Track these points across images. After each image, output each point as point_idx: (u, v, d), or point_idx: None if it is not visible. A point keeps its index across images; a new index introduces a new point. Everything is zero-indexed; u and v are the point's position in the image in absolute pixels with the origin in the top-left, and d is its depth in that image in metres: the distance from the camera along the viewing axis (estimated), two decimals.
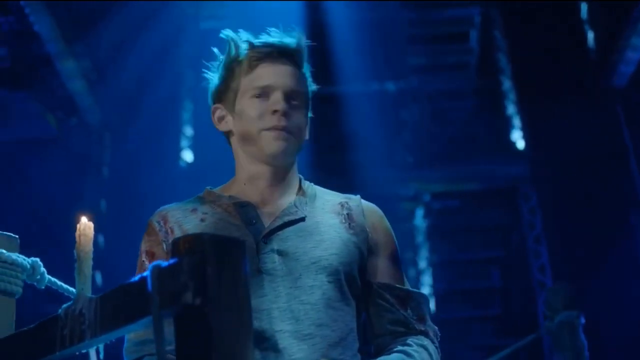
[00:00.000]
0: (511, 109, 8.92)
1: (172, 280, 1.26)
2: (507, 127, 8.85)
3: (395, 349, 1.81)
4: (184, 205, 1.95)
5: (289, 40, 1.96)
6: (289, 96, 1.92)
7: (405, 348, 1.80)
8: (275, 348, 1.71)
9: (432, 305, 9.07)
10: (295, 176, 2.00)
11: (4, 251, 1.91)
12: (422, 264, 9.27)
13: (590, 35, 8.30)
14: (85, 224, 1.53)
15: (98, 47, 6.75)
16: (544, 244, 8.05)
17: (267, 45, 1.95)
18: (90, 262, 1.52)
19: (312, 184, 2.03)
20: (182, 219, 1.89)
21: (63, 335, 1.45)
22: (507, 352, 3.90)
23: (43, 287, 2.02)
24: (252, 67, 1.94)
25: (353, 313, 1.86)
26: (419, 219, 9.24)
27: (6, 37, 6.41)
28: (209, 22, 9.35)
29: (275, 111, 1.88)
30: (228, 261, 1.29)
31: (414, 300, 1.90)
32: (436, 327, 1.93)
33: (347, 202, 1.97)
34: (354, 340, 1.84)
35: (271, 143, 1.89)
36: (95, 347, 1.49)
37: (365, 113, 8.92)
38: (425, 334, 1.87)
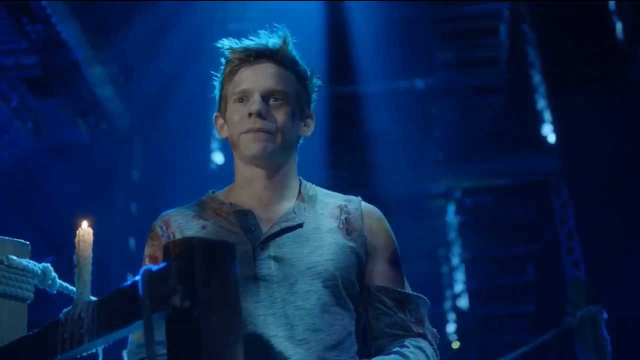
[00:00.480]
0: (541, 102, 8.85)
1: (161, 284, 1.28)
2: (538, 121, 8.78)
3: (392, 350, 1.81)
4: (186, 210, 1.97)
5: (269, 41, 1.95)
6: (268, 96, 1.92)
7: (402, 349, 1.80)
8: (270, 353, 1.72)
9: (465, 301, 9.03)
10: (293, 178, 1.98)
11: (14, 257, 1.94)
12: (455, 260, 9.23)
13: (619, 27, 8.20)
14: (84, 230, 1.56)
15: (125, 53, 6.83)
16: (576, 238, 7.98)
17: (245, 49, 1.95)
18: (90, 267, 1.55)
19: (313, 185, 2.02)
20: (184, 224, 1.92)
21: (64, 339, 1.48)
22: (526, 349, 3.88)
23: (55, 292, 2.05)
24: (233, 73, 1.96)
25: (352, 317, 1.86)
26: (451, 215, 9.21)
27: (35, 45, 6.53)
28: (236, 23, 9.40)
29: (250, 114, 1.89)
30: (217, 265, 1.30)
31: (412, 303, 1.89)
32: (435, 330, 1.92)
33: (346, 206, 1.95)
34: (352, 343, 1.84)
35: (248, 146, 1.89)
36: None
37: (394, 111, 8.91)
38: (423, 336, 1.87)
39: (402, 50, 8.83)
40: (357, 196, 2.02)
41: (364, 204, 1.98)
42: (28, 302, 1.97)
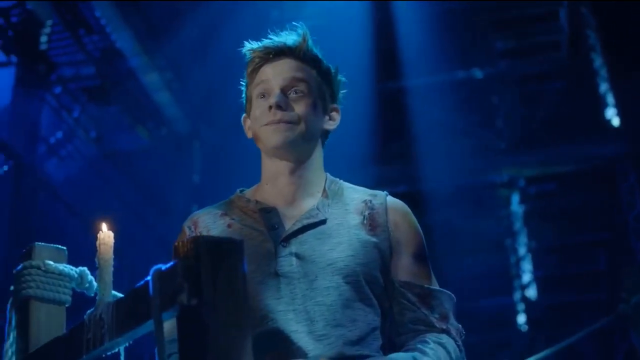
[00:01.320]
0: (604, 86, 8.66)
1: (169, 282, 1.31)
2: (601, 105, 8.59)
3: (411, 347, 1.80)
4: (214, 209, 2.00)
5: (288, 39, 1.98)
6: (288, 89, 1.94)
7: (421, 346, 1.78)
8: (290, 348, 1.72)
9: (534, 291, 8.90)
10: (318, 173, 1.98)
11: (51, 262, 2.00)
12: (522, 250, 9.10)
13: None
14: (105, 233, 1.61)
15: (178, 57, 6.93)
16: None
17: (264, 47, 1.98)
18: (111, 270, 1.60)
19: (339, 181, 2.02)
20: (211, 223, 1.94)
21: (87, 340, 1.53)
22: (581, 334, 3.81)
23: (92, 295, 2.10)
24: (255, 72, 1.99)
25: (376, 312, 1.84)
26: (515, 205, 9.08)
27: (92, 56, 6.70)
28: (292, 23, 9.43)
29: (270, 107, 1.91)
30: (223, 262, 1.31)
31: (436, 298, 1.87)
32: (460, 326, 1.89)
33: (371, 201, 1.94)
34: (375, 338, 1.83)
35: (270, 137, 1.91)
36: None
37: (453, 102, 8.84)
38: (447, 332, 1.84)
39: (459, 41, 8.75)
40: (383, 191, 2.01)
41: (389, 198, 1.96)
42: (66, 305, 2.02)
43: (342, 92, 2.10)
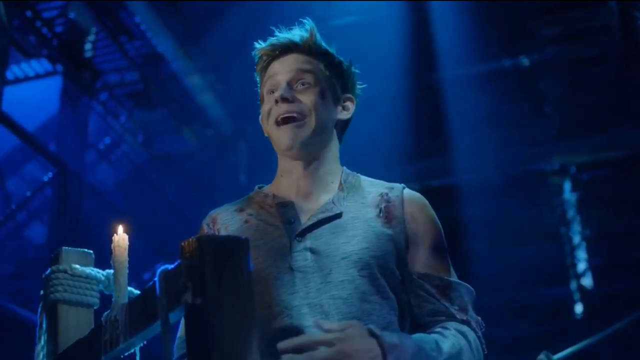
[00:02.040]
0: None
1: (174, 282, 1.33)
2: None
3: (433, 330, 1.79)
4: (233, 206, 2.02)
5: (294, 35, 1.99)
6: (294, 81, 1.95)
7: (442, 330, 1.78)
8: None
9: (590, 280, 8.75)
10: (333, 165, 1.98)
11: (77, 266, 2.03)
12: (576, 238, 8.94)
13: None
14: (119, 236, 1.63)
15: (219, 58, 6.98)
16: None
17: (271, 45, 2.00)
18: (126, 272, 1.62)
19: (356, 174, 2.01)
20: (229, 220, 1.96)
21: (105, 341, 1.56)
22: (625, 322, 3.73)
23: (127, 298, 2.13)
24: (264, 69, 2.02)
25: (392, 306, 1.83)
26: (568, 192, 8.92)
27: (135, 61, 6.80)
28: (337, 19, 9.44)
29: (276, 101, 1.92)
30: (228, 261, 1.33)
31: (455, 290, 1.86)
32: (479, 318, 1.88)
33: (387, 193, 1.93)
34: (392, 332, 1.79)
35: (280, 139, 1.93)
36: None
37: (500, 92, 8.73)
38: (467, 323, 1.83)
39: (504, 29, 8.65)
40: (400, 184, 1.99)
41: (406, 191, 1.95)
42: (94, 307, 2.05)
43: (359, 85, 2.09)
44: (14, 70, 6.81)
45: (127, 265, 1.62)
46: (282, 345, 1.61)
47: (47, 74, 6.75)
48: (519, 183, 8.68)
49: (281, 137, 1.91)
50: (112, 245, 1.63)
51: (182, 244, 1.36)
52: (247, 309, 1.32)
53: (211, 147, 7.60)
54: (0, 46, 4.43)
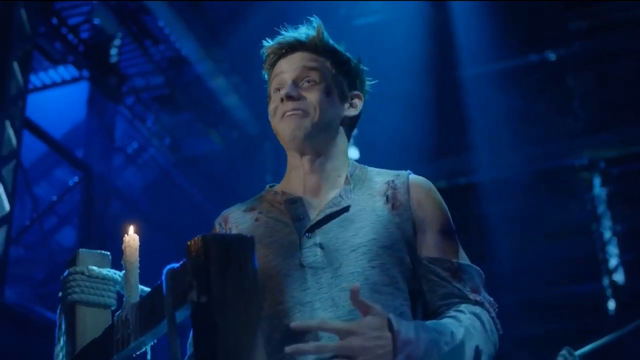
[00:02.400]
0: None
1: (180, 281, 1.34)
2: None
3: (447, 315, 1.78)
4: (244, 205, 2.03)
5: (301, 33, 2.00)
6: (300, 78, 1.95)
7: (457, 314, 1.77)
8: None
9: (621, 276, 8.64)
10: (340, 161, 1.98)
11: (94, 267, 2.06)
12: (607, 234, 8.84)
13: None
14: (130, 236, 1.65)
15: (243, 60, 7.00)
16: None
17: (278, 43, 2.01)
18: (136, 272, 1.64)
19: (364, 166, 2.01)
20: (240, 219, 1.97)
21: (116, 340, 1.57)
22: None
23: (138, 297, 2.15)
24: (271, 67, 2.03)
25: (404, 297, 1.82)
26: (597, 187, 8.83)
27: (160, 65, 6.86)
28: (361, 19, 9.44)
29: (282, 99, 1.93)
30: (233, 259, 1.33)
31: (466, 272, 1.84)
32: (491, 299, 1.87)
33: (393, 181, 1.92)
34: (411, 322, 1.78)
35: (285, 130, 1.93)
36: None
37: (527, 87, 8.68)
38: (480, 304, 1.82)
39: (529, 24, 8.59)
40: (406, 171, 1.99)
41: (412, 176, 1.95)
42: (112, 308, 2.07)
43: (368, 81, 2.09)
44: (41, 77, 6.90)
45: (138, 266, 1.64)
46: (295, 324, 1.62)
47: (74, 80, 6.82)
48: (548, 179, 8.62)
49: (285, 128, 1.92)
50: (123, 246, 1.64)
51: (188, 243, 1.37)
52: (253, 307, 1.32)
53: (237, 148, 7.64)
54: (23, 53, 4.50)
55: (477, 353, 1.72)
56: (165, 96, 7.07)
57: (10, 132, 4.31)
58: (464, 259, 1.89)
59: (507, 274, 8.19)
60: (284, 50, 2.00)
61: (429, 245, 1.86)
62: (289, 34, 2.00)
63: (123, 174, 7.53)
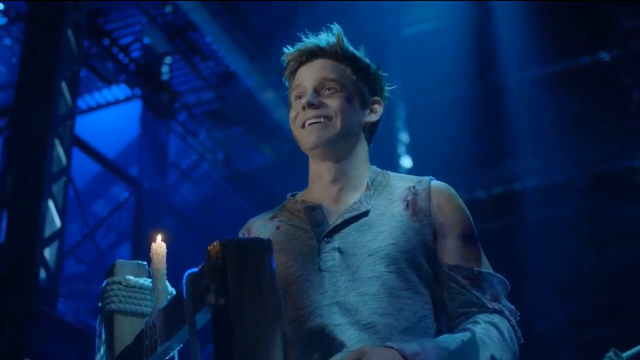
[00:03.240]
0: None
1: (199, 285, 1.37)
2: None
3: (461, 328, 1.76)
4: (267, 214, 2.05)
5: (321, 40, 2.01)
6: (320, 87, 1.96)
7: (471, 326, 1.74)
8: (335, 342, 1.72)
9: None
10: (361, 167, 1.98)
11: (131, 277, 2.09)
12: None
13: None
14: (157, 244, 1.69)
15: None
16: None
17: (298, 50, 2.02)
18: (164, 279, 1.67)
19: (386, 172, 2.01)
20: (262, 228, 1.99)
21: (145, 346, 1.61)
22: None
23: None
24: (292, 74, 2.04)
25: (425, 300, 1.81)
26: None
27: (209, 81, 6.96)
28: (412, 27, 9.43)
29: (303, 107, 1.94)
30: (250, 262, 1.35)
31: (486, 280, 1.82)
32: (513, 307, 1.84)
33: (414, 187, 1.92)
34: (427, 327, 1.79)
35: (306, 138, 1.94)
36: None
37: (582, 88, 8.55)
38: (499, 312, 1.79)
39: (581, 25, 8.48)
40: (428, 177, 1.98)
41: (433, 182, 1.94)
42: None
43: (388, 87, 2.09)
44: (95, 97, 7.07)
45: (166, 272, 1.67)
46: None
47: (127, 99, 6.97)
48: (604, 181, 8.46)
49: (307, 137, 1.93)
50: (151, 254, 1.68)
51: (208, 247, 1.39)
52: (271, 308, 1.33)
53: (289, 161, 7.67)
54: (71, 73, 4.63)
55: None
56: (217, 111, 7.17)
57: (60, 150, 4.44)
58: (485, 266, 1.87)
59: (565, 280, 8.06)
60: (304, 58, 2.01)
61: (450, 251, 1.85)
62: (309, 41, 2.01)
63: (178, 189, 7.64)
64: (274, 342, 1.32)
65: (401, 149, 8.99)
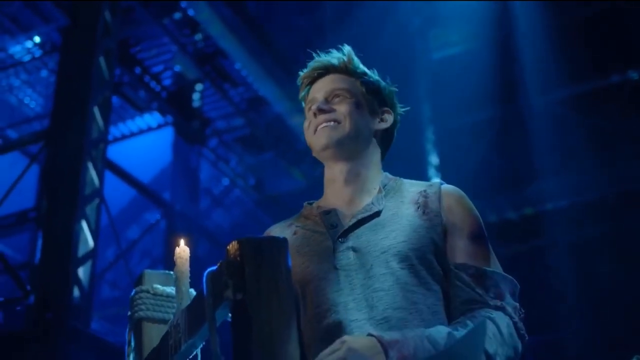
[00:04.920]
0: None
1: (218, 281, 1.44)
2: None
3: (456, 321, 1.82)
4: (285, 222, 2.14)
5: (332, 57, 2.12)
6: (330, 96, 2.06)
7: (466, 320, 1.81)
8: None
9: None
10: (374, 172, 2.06)
11: (158, 286, 2.17)
12: None
13: None
14: (181, 248, 1.77)
15: None
16: None
17: (312, 68, 2.14)
18: (187, 280, 1.75)
19: (398, 178, 2.09)
20: (280, 234, 2.05)
21: (170, 346, 1.68)
22: None
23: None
24: (307, 94, 2.15)
25: (437, 297, 1.88)
26: None
27: (239, 107, 7.09)
28: (440, 51, 9.50)
29: (314, 114, 2.04)
30: (266, 259, 1.42)
31: (490, 279, 1.88)
32: (517, 304, 1.89)
33: (425, 190, 2.00)
34: (439, 322, 1.85)
35: (317, 140, 2.04)
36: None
37: (614, 107, 8.52)
38: (501, 309, 1.84)
39: (610, 45, 8.48)
40: (438, 181, 2.06)
41: (444, 185, 2.02)
42: None
43: (401, 107, 2.17)
44: (128, 125, 7.22)
45: (189, 275, 1.74)
46: None
47: (159, 126, 7.12)
48: (636, 200, 8.40)
49: (318, 139, 2.03)
50: (175, 257, 1.76)
51: (227, 246, 1.47)
52: (286, 303, 1.39)
53: (320, 185, 7.74)
54: (103, 98, 4.78)
55: (487, 356, 1.74)
56: (247, 137, 7.29)
57: (93, 173, 4.58)
58: (494, 265, 1.93)
59: (600, 299, 7.99)
60: (316, 74, 2.12)
61: (458, 250, 1.92)
62: (321, 59, 2.12)
63: (210, 214, 7.74)
64: (289, 335, 1.39)
65: (431, 171, 9.02)
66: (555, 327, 8.06)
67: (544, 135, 8.36)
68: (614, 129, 8.43)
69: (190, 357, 1.69)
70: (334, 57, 2.13)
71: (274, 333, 1.38)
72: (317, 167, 7.73)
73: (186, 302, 1.73)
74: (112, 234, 5.63)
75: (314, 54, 2.16)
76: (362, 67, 2.13)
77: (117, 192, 6.36)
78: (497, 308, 1.85)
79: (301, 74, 2.17)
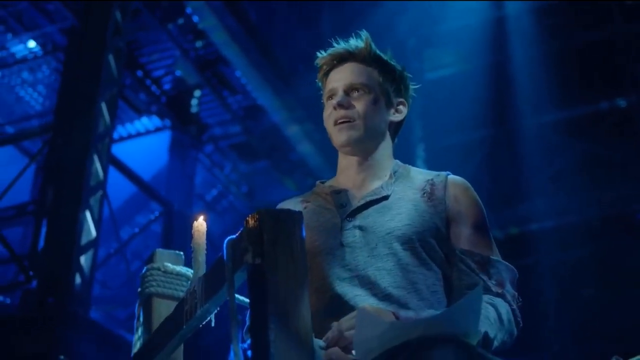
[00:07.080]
0: None
1: (238, 247, 1.57)
2: None
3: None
4: (297, 198, 2.27)
5: (350, 45, 2.21)
6: (350, 90, 2.16)
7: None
8: (353, 309, 1.89)
9: None
10: (386, 161, 2.18)
11: (169, 264, 2.29)
12: None
13: None
14: (199, 222, 1.89)
15: (316, 108, 7.26)
16: None
17: (330, 54, 2.23)
18: (204, 251, 1.87)
19: (408, 166, 2.21)
20: (292, 208, 2.19)
21: (185, 311, 1.80)
22: None
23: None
24: (325, 76, 2.25)
25: (437, 277, 2.00)
26: None
27: (237, 114, 7.20)
28: (434, 72, 9.65)
29: (334, 107, 2.15)
30: (282, 228, 1.55)
31: (493, 266, 1.99)
32: (516, 293, 2.00)
33: (432, 179, 2.11)
34: (438, 302, 1.97)
35: (336, 136, 2.15)
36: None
37: (600, 133, 8.69)
38: (502, 296, 1.96)
39: (600, 72, 8.65)
40: (445, 172, 2.17)
41: (451, 177, 2.14)
42: None
43: (412, 85, 2.28)
44: (127, 127, 7.32)
45: (205, 247, 1.87)
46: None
47: (157, 130, 7.22)
48: (620, 224, 8.52)
49: (339, 136, 2.15)
50: (192, 231, 1.88)
51: (247, 217, 1.59)
52: (300, 268, 1.52)
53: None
54: (110, 95, 4.92)
55: (487, 338, 1.84)
56: (243, 144, 7.39)
57: (98, 165, 4.72)
58: (496, 254, 2.04)
59: (582, 321, 8.11)
60: (335, 62, 2.22)
61: (464, 238, 2.04)
62: (340, 46, 2.22)
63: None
64: (302, 296, 1.51)
65: None
66: (536, 348, 8.17)
67: (533, 157, 8.52)
68: (602, 153, 8.60)
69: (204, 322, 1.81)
70: (352, 45, 2.21)
71: (288, 294, 1.50)
72: (309, 178, 7.85)
73: (202, 271, 1.85)
74: (106, 233, 5.72)
75: (333, 41, 2.23)
76: (379, 54, 2.21)
77: (110, 194, 6.46)
78: (498, 295, 1.96)
79: (319, 56, 2.24)
